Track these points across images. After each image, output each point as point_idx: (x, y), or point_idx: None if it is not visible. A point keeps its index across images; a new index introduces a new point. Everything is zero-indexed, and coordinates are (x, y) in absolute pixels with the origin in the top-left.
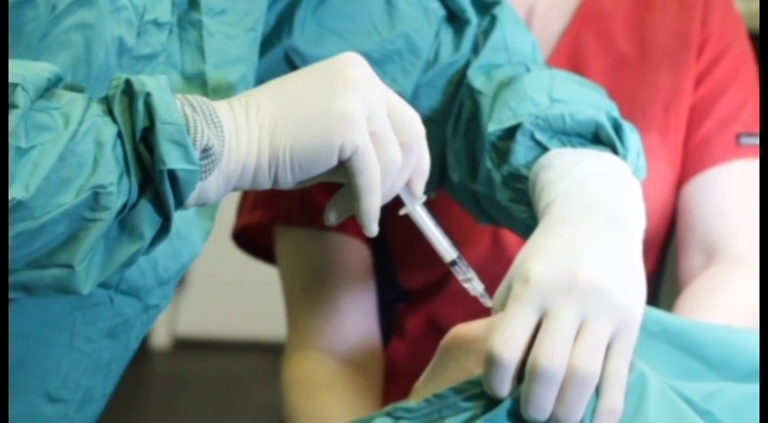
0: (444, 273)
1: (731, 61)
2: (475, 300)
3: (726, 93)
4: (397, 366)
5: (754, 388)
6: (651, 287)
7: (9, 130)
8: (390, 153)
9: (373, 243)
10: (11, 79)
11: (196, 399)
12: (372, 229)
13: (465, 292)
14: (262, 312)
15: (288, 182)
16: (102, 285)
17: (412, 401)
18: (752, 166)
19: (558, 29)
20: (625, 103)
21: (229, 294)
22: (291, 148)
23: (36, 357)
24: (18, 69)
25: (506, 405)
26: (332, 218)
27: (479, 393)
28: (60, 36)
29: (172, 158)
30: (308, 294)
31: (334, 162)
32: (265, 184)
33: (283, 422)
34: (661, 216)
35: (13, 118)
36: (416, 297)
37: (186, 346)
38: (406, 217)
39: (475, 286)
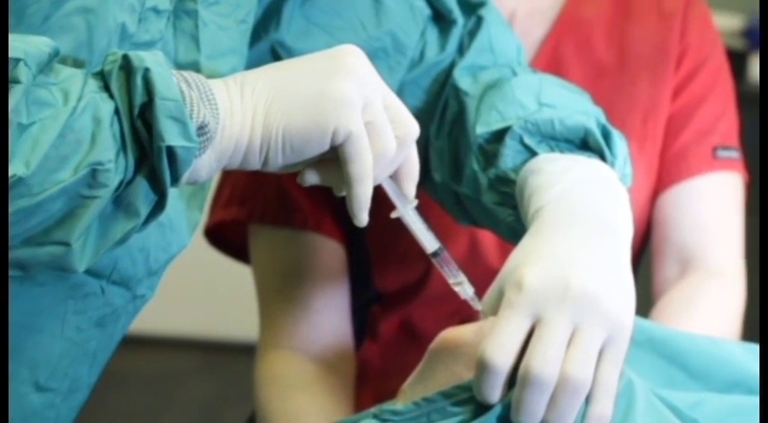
0: (420, 276)
1: (709, 73)
2: (449, 305)
3: (703, 104)
4: (368, 369)
5: (737, 399)
6: None
7: (11, 106)
8: (384, 142)
9: (349, 244)
10: (13, 54)
11: (130, 395)
12: (362, 217)
13: (440, 297)
14: (198, 310)
15: (278, 163)
16: (95, 275)
17: (399, 404)
18: (728, 178)
19: (539, 36)
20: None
21: (166, 291)
22: (285, 128)
23: (27, 346)
24: (20, 44)
25: (496, 411)
26: (311, 178)
27: (469, 398)
28: (62, 20)
29: (171, 135)
30: (282, 293)
31: (327, 146)
32: (255, 163)
33: (253, 418)
34: (636, 225)
35: (16, 93)
36: (391, 300)
37: (121, 342)
38: (389, 218)
39: (465, 289)
